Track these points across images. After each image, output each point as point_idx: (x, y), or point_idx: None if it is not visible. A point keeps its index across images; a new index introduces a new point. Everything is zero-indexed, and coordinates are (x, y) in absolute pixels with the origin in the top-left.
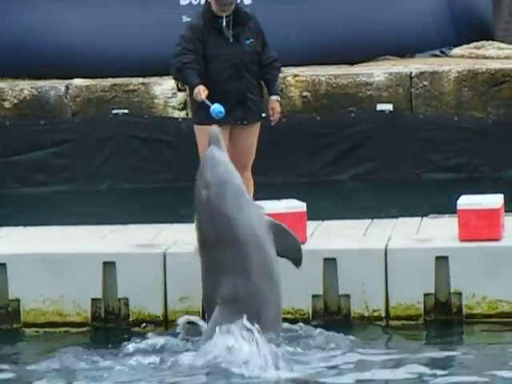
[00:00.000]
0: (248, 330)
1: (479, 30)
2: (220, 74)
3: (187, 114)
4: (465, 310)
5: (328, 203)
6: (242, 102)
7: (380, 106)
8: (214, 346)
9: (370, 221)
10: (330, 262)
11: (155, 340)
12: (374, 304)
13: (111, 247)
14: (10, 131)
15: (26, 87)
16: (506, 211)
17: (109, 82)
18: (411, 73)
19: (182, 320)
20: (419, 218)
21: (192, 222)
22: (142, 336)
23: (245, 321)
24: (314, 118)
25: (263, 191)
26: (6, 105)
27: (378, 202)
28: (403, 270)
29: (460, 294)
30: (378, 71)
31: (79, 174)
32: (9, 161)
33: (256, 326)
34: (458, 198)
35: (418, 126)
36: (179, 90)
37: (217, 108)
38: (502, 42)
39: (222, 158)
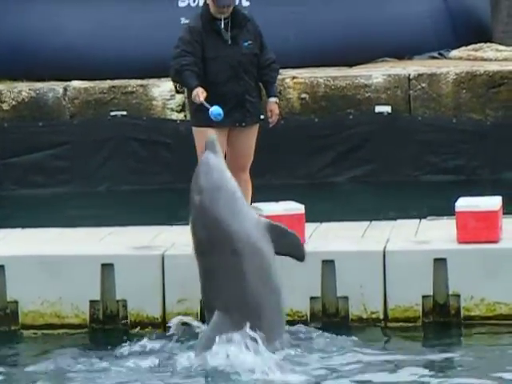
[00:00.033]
0: (251, 338)
1: (477, 32)
2: (218, 75)
3: (185, 115)
4: (463, 312)
5: (326, 205)
6: (241, 104)
7: (378, 108)
8: (215, 354)
9: (368, 223)
10: (328, 264)
11: (153, 342)
12: (372, 306)
13: (109, 249)
14: (8, 133)
15: (24, 89)
16: (504, 213)
17: (107, 83)
18: (409, 75)
19: (174, 321)
20: (417, 220)
21: None
22: (141, 338)
23: (247, 329)
24: (313, 119)
25: (261, 193)
26: (5, 106)
27: (377, 203)
28: (401, 272)
29: (458, 296)
30: (377, 73)
31: (77, 175)
32: (7, 162)
33: (259, 333)
34: (456, 200)
35: (417, 127)
36: (177, 91)
37: (216, 110)
38: (500, 44)
39: (217, 163)
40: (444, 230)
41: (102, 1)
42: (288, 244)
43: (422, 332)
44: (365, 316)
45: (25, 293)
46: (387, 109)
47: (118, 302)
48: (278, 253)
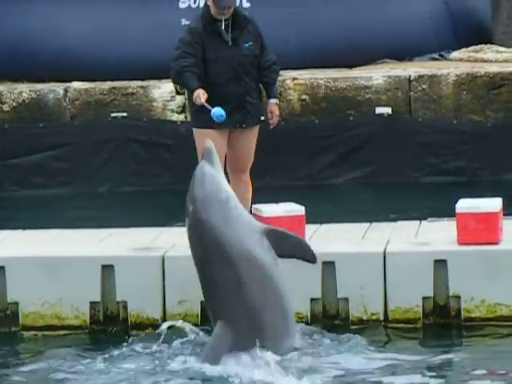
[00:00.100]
0: (263, 359)
1: (478, 34)
2: (219, 77)
3: (186, 117)
4: (463, 314)
5: (326, 206)
6: (241, 106)
7: (379, 110)
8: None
9: (368, 224)
10: (328, 266)
11: (153, 343)
12: (372, 307)
13: (110, 250)
14: (8, 134)
15: (24, 90)
16: (504, 215)
17: (107, 85)
18: (410, 76)
19: (164, 326)
20: (418, 222)
21: None
22: (141, 339)
23: (258, 350)
24: (313, 121)
25: (262, 194)
26: (5, 108)
27: (377, 205)
28: (402, 273)
29: (459, 297)
30: (377, 74)
31: (78, 177)
32: (7, 164)
33: (262, 340)
34: (456, 202)
35: (417, 129)
36: (178, 93)
37: (218, 111)
38: (500, 45)
39: (211, 172)
40: (444, 231)
41: (102, 2)
42: (290, 247)
43: (422, 333)
44: (365, 317)
45: (25, 294)
46: (387, 110)
47: (118, 303)
48: (282, 256)
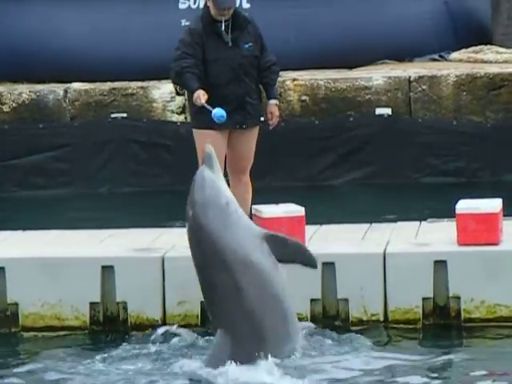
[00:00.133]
0: (264, 363)
1: (478, 34)
2: (219, 78)
3: (186, 117)
4: (463, 315)
5: (326, 207)
6: (241, 106)
7: (379, 110)
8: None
9: (368, 225)
10: (328, 266)
11: (153, 344)
12: (372, 308)
13: (110, 251)
14: (8, 135)
15: (24, 91)
16: (504, 215)
17: (107, 85)
18: (410, 77)
19: (160, 331)
20: (418, 222)
21: None
22: (141, 340)
23: (258, 354)
24: (313, 122)
25: (261, 195)
26: (5, 108)
27: (377, 206)
28: (402, 274)
29: (458, 298)
30: (377, 75)
31: (78, 177)
32: (7, 164)
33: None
34: (456, 202)
35: (417, 130)
36: (178, 93)
37: (219, 112)
38: (500, 46)
39: (211, 177)
40: (444, 232)
41: (102, 3)
42: (290, 253)
43: (422, 334)
44: (365, 318)
45: (25, 295)
46: (387, 111)
47: (118, 304)
48: (282, 262)
